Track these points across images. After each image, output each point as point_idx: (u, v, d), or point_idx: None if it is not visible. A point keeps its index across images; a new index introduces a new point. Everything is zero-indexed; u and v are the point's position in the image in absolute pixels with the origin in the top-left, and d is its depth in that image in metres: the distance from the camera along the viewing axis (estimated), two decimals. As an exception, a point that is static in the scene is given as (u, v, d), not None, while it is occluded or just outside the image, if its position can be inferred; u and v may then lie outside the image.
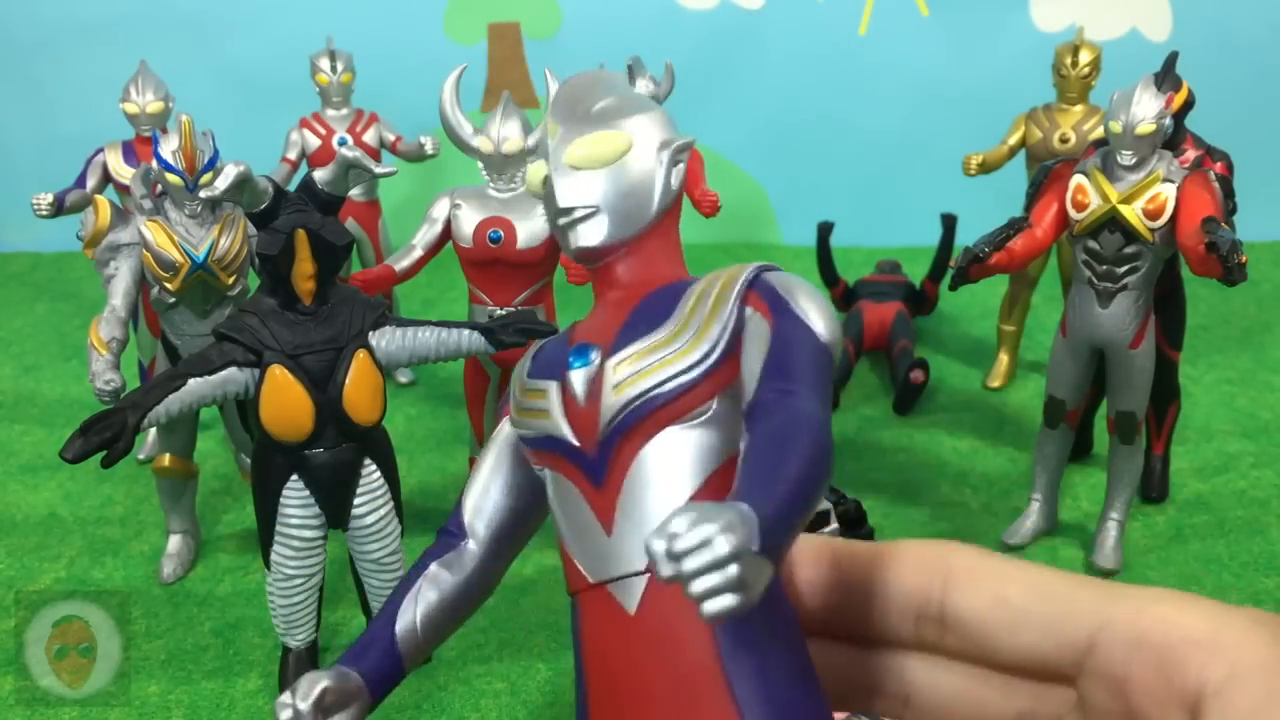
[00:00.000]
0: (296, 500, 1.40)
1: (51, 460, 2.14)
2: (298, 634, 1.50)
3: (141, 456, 2.09)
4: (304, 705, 0.56)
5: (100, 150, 2.38)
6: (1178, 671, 0.40)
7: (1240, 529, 1.88)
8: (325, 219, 1.35)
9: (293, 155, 2.58)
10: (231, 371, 1.33)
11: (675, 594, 0.46)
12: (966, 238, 1.81)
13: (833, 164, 3.48)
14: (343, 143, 2.52)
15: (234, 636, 1.66)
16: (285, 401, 1.33)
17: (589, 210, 0.59)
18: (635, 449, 0.54)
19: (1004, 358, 2.52)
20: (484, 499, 0.62)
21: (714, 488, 0.53)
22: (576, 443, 0.56)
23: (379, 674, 0.62)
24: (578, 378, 0.56)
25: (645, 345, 0.56)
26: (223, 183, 1.30)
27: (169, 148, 1.62)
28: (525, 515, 0.63)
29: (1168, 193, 1.59)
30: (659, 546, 0.42)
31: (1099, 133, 2.20)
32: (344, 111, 2.61)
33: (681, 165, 0.60)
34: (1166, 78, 1.63)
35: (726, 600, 0.41)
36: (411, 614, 0.62)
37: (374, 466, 1.44)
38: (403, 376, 2.53)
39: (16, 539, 1.89)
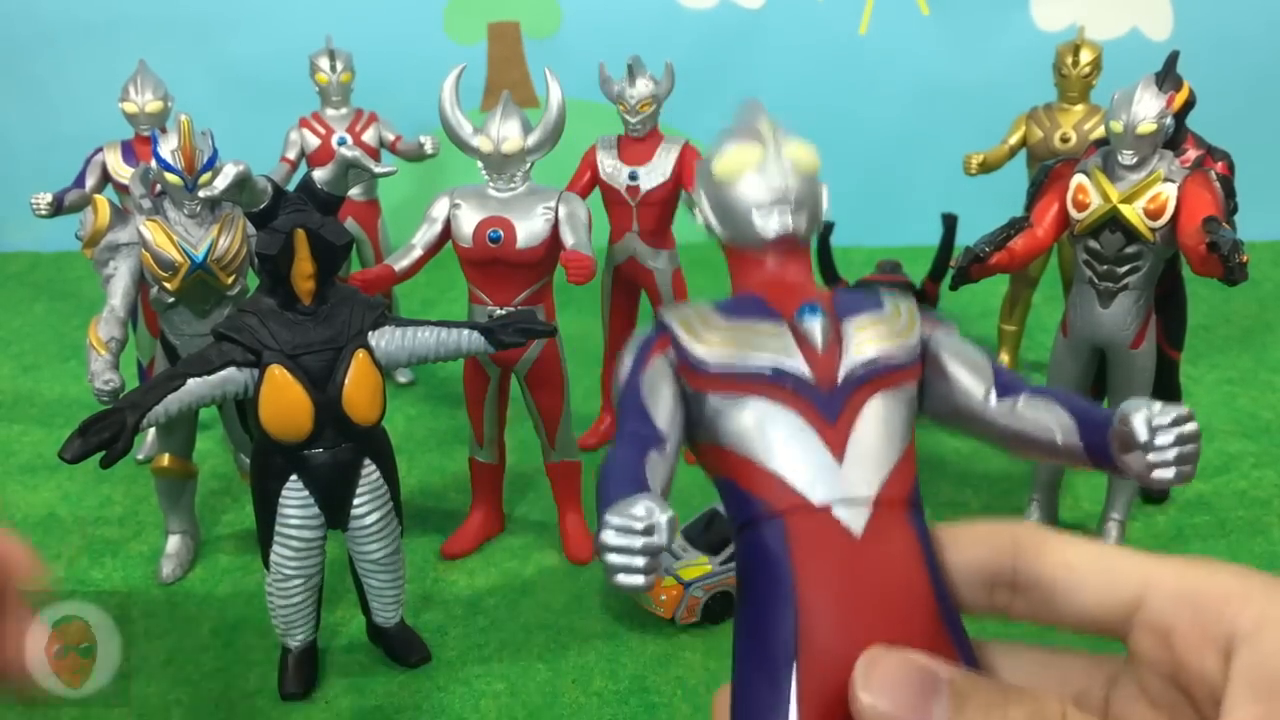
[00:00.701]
0: (296, 500, 1.40)
1: (50, 460, 2.13)
2: (297, 634, 1.50)
3: (141, 457, 2.08)
4: (664, 517, 0.56)
5: (99, 150, 2.38)
6: (1214, 621, 0.48)
7: (1241, 529, 1.88)
8: (325, 219, 1.35)
9: (292, 155, 2.58)
10: (231, 371, 1.33)
11: (897, 520, 0.59)
12: (967, 238, 1.81)
13: (833, 164, 3.41)
14: (342, 142, 2.52)
15: (233, 637, 1.66)
16: (285, 401, 1.33)
17: (800, 201, 0.67)
18: (864, 399, 0.62)
19: (1005, 358, 2.52)
20: (666, 408, 0.65)
21: (910, 455, 0.62)
22: (814, 379, 0.62)
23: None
24: (815, 327, 0.63)
25: (877, 318, 0.64)
26: (222, 182, 1.30)
27: (168, 147, 1.62)
28: (684, 435, 0.67)
29: (1169, 192, 1.58)
30: (1141, 416, 0.58)
31: (1099, 132, 2.20)
32: (343, 111, 2.60)
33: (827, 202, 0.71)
34: (1167, 77, 1.63)
35: (1188, 469, 0.56)
36: (656, 485, 0.63)
37: (374, 466, 1.44)
38: (402, 376, 2.52)
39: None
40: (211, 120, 1.77)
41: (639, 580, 0.56)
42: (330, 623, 1.67)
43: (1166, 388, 1.89)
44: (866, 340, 0.63)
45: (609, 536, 0.56)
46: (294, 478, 1.39)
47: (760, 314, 0.65)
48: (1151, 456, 0.58)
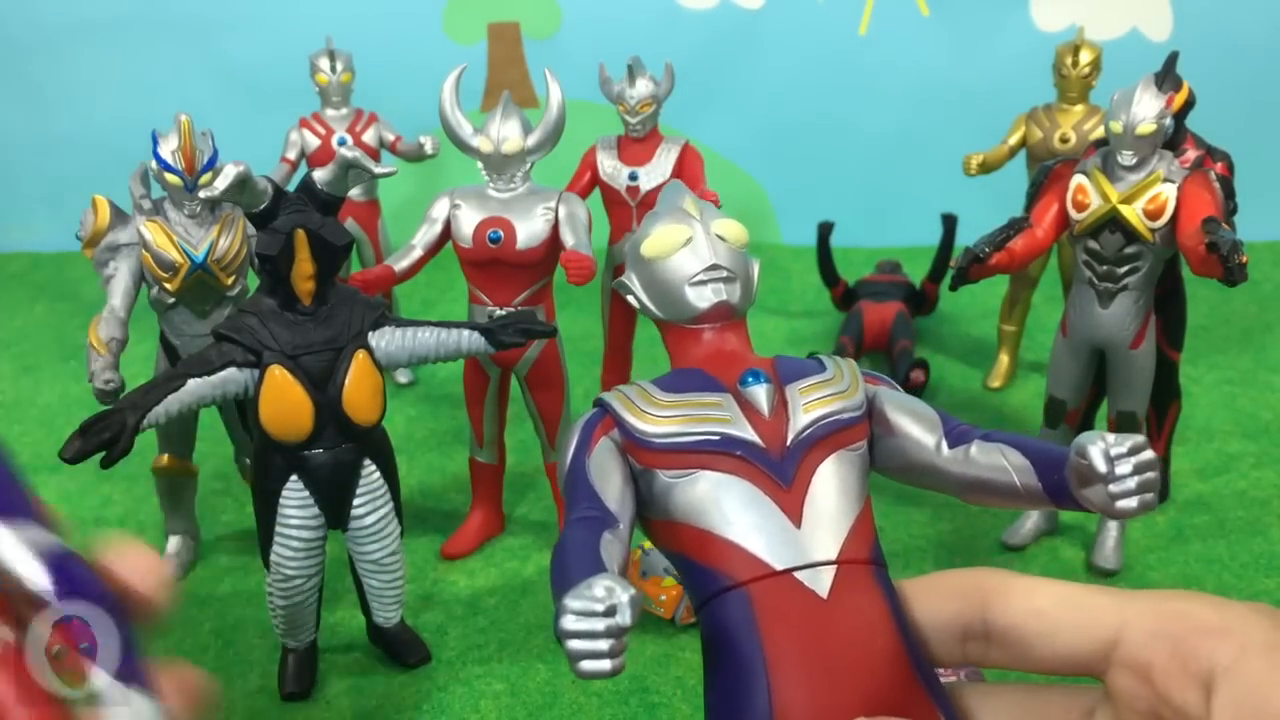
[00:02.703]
0: (296, 501, 1.40)
1: (50, 460, 2.11)
2: (297, 634, 1.50)
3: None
4: (626, 596, 0.53)
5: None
6: (1192, 656, 0.47)
7: (1241, 529, 1.88)
8: (325, 219, 1.35)
9: (292, 155, 2.58)
10: (231, 372, 1.33)
11: (861, 579, 0.60)
12: (967, 238, 1.81)
13: (833, 164, 3.48)
14: (342, 143, 2.52)
15: (234, 637, 1.66)
16: (285, 402, 1.33)
17: (731, 274, 0.69)
18: (817, 460, 0.63)
19: (1004, 358, 2.52)
20: (615, 490, 0.65)
21: (867, 513, 0.63)
22: (764, 445, 0.63)
23: None
24: (759, 393, 0.65)
25: (819, 381, 0.66)
26: (222, 183, 1.29)
27: (168, 148, 1.62)
28: (634, 515, 0.67)
29: (1168, 193, 1.59)
30: (1098, 448, 0.58)
31: (1099, 133, 2.20)
32: (343, 111, 2.60)
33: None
34: (1167, 78, 1.63)
35: (1148, 498, 0.57)
36: (612, 565, 0.61)
37: (374, 467, 1.44)
38: (402, 377, 2.52)
39: (16, 539, 1.89)
40: (211, 120, 1.77)
41: (605, 665, 0.52)
42: (330, 623, 1.67)
43: (1166, 388, 1.89)
44: (812, 402, 0.65)
45: (569, 622, 0.52)
46: (294, 478, 1.39)
47: (702, 386, 0.66)
48: (1113, 488, 0.58)
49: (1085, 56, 2.33)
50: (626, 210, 2.05)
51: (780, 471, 0.62)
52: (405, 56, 3.34)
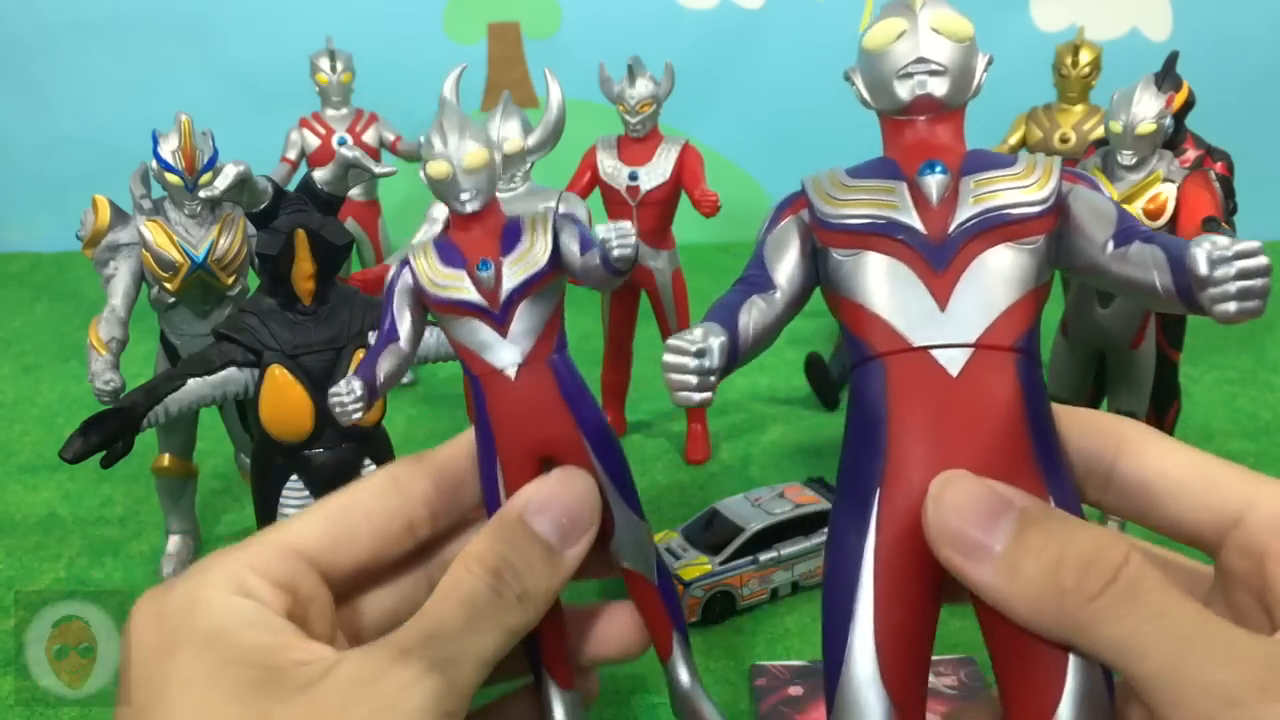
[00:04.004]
0: (296, 500, 1.40)
1: (51, 460, 2.13)
2: (297, 634, 1.50)
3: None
4: (716, 341, 0.65)
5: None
6: None
7: (1241, 529, 1.88)
8: (325, 219, 1.35)
9: (292, 155, 2.58)
10: (231, 371, 1.33)
11: (998, 363, 0.63)
12: (967, 238, 1.81)
13: (833, 164, 3.47)
14: (342, 142, 2.52)
15: (234, 637, 1.66)
16: (285, 401, 1.33)
17: (940, 68, 0.69)
18: (978, 250, 0.65)
19: (1004, 358, 2.52)
20: (783, 263, 0.72)
21: (1026, 303, 0.65)
22: (925, 231, 0.66)
23: (730, 350, 0.69)
24: (932, 182, 0.67)
25: (1001, 174, 0.67)
26: (222, 182, 1.29)
27: (168, 147, 1.62)
28: (806, 292, 0.72)
29: (1168, 193, 1.59)
30: (1202, 250, 0.56)
31: (1099, 133, 2.20)
32: (344, 111, 2.61)
33: (986, 74, 0.73)
34: (1167, 78, 1.63)
35: (1253, 304, 0.55)
36: (747, 319, 0.69)
37: (374, 467, 1.44)
38: (403, 376, 2.53)
39: (16, 539, 1.89)
40: (211, 120, 1.77)
41: (693, 396, 0.64)
42: (330, 623, 1.67)
43: (1166, 388, 1.89)
44: (984, 195, 0.66)
45: (668, 358, 0.64)
46: (294, 478, 1.39)
47: (884, 174, 0.70)
48: (1211, 290, 0.57)
49: (1085, 56, 2.34)
50: (626, 210, 2.05)
51: (936, 256, 0.65)
52: (405, 56, 3.34)
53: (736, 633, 1.56)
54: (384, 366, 0.87)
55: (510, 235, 0.88)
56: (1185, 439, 1.71)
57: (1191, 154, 1.80)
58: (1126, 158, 1.60)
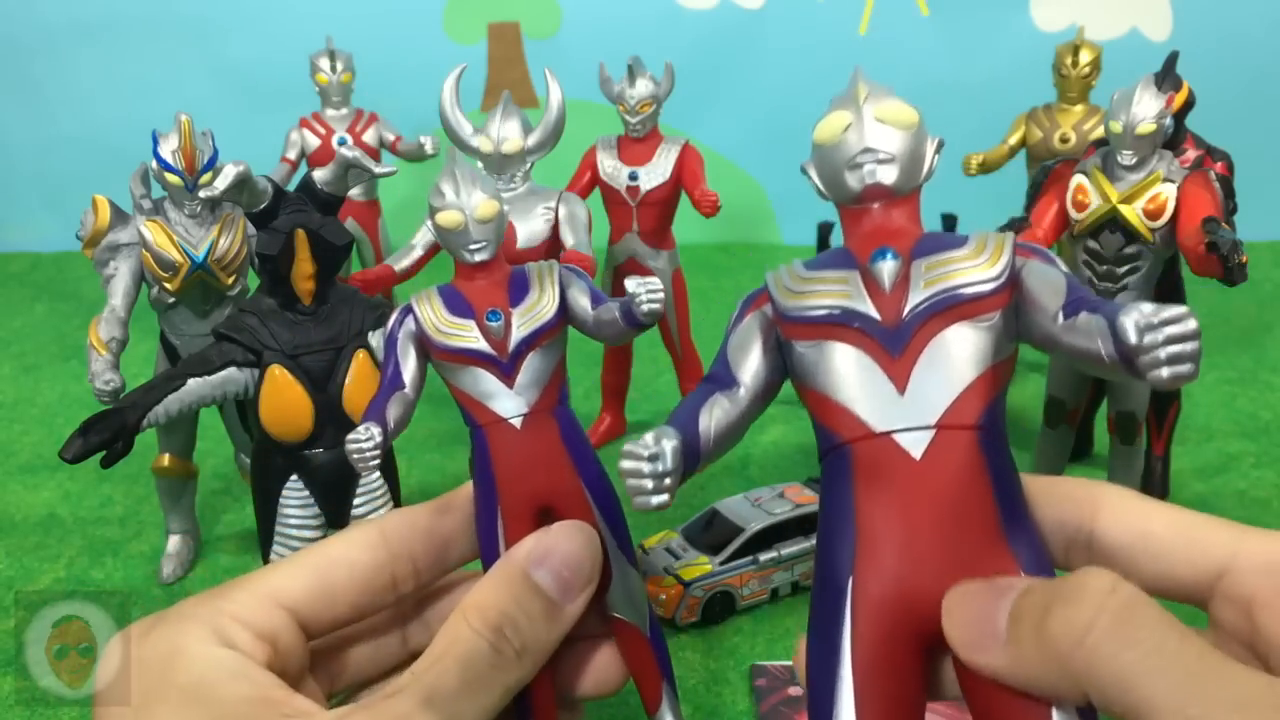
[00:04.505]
0: (296, 501, 1.40)
1: (51, 460, 2.13)
2: (297, 634, 1.50)
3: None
4: (669, 444, 0.67)
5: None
6: None
7: (1240, 529, 1.88)
8: (325, 219, 1.35)
9: (292, 155, 2.58)
10: (231, 371, 1.33)
11: (956, 442, 0.63)
12: (967, 238, 1.81)
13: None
14: (342, 142, 2.52)
15: (234, 637, 1.66)
16: (285, 401, 1.33)
17: (888, 156, 0.71)
18: (933, 331, 0.66)
19: (1004, 358, 2.51)
20: (746, 361, 0.74)
21: (986, 380, 0.65)
22: (879, 317, 0.67)
23: (689, 451, 0.71)
24: (884, 269, 0.68)
25: (948, 257, 0.68)
26: (222, 182, 1.29)
27: (168, 147, 1.62)
28: (773, 386, 0.74)
29: (1168, 193, 1.59)
30: (1130, 319, 0.57)
31: (1099, 133, 2.20)
32: (344, 111, 2.61)
33: (938, 158, 0.75)
34: (1167, 77, 1.63)
35: (1185, 368, 0.56)
36: (708, 420, 0.71)
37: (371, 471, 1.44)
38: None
39: (16, 539, 1.89)
40: (211, 120, 1.77)
41: (650, 500, 0.65)
42: (330, 623, 1.67)
43: (1166, 388, 1.89)
44: (937, 276, 0.68)
45: (623, 464, 0.66)
46: (294, 478, 1.39)
47: (839, 264, 0.72)
48: (1143, 358, 0.58)
49: (1085, 56, 2.34)
50: (626, 210, 2.05)
51: (892, 341, 0.67)
52: (405, 56, 3.34)
53: (736, 633, 1.56)
54: (393, 413, 0.88)
55: (518, 286, 0.89)
56: (1185, 439, 1.71)
57: (1191, 154, 1.80)
58: (1126, 158, 1.60)
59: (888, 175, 0.71)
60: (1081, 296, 0.66)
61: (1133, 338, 0.57)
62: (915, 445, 0.64)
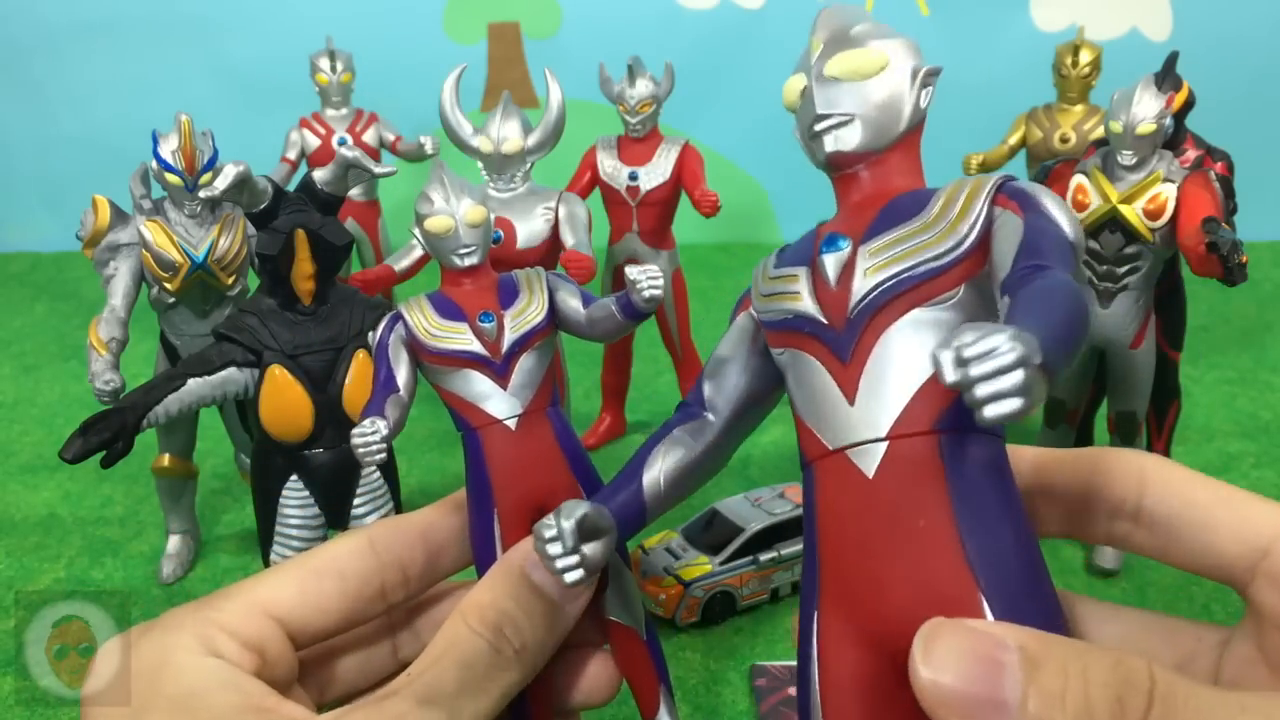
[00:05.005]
0: (296, 500, 1.40)
1: (51, 460, 2.14)
2: (297, 634, 1.50)
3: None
4: (567, 524, 0.64)
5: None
6: None
7: (1241, 529, 1.87)
8: (325, 219, 1.35)
9: (292, 155, 2.58)
10: (231, 372, 1.33)
11: (911, 453, 0.55)
12: (967, 238, 1.81)
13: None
14: (342, 143, 2.52)
15: (234, 637, 1.66)
16: (285, 401, 1.33)
17: (845, 118, 0.63)
18: (882, 327, 0.58)
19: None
20: (723, 378, 0.69)
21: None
22: (825, 320, 0.60)
23: (626, 515, 0.69)
24: (830, 261, 0.61)
25: (897, 235, 0.59)
26: (222, 183, 1.29)
27: (168, 148, 1.62)
28: (760, 397, 0.69)
29: (1168, 193, 1.59)
30: (946, 354, 0.46)
31: (1099, 133, 2.20)
32: (344, 111, 2.61)
33: (931, 89, 0.66)
34: (1167, 78, 1.63)
35: (1008, 405, 0.45)
36: (657, 468, 0.68)
37: (374, 467, 1.44)
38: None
39: (16, 539, 1.89)
40: (211, 120, 1.77)
41: (565, 578, 0.64)
42: (330, 623, 1.67)
43: (1166, 388, 1.89)
44: (880, 263, 0.59)
45: (536, 547, 0.65)
46: (294, 478, 1.39)
47: (796, 259, 0.66)
48: (965, 396, 0.47)
49: (1085, 56, 2.34)
50: (626, 210, 2.05)
51: (841, 345, 0.59)
52: (405, 56, 3.35)
53: (736, 633, 1.56)
54: (391, 415, 0.88)
55: (507, 290, 0.89)
56: (1185, 439, 1.71)
57: (1191, 154, 1.80)
58: (1126, 158, 1.60)
59: (849, 139, 0.63)
60: (1023, 271, 0.54)
61: (950, 376, 0.46)
62: (868, 461, 0.57)
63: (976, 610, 0.52)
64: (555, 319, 0.89)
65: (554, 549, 0.64)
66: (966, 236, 0.58)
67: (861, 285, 0.59)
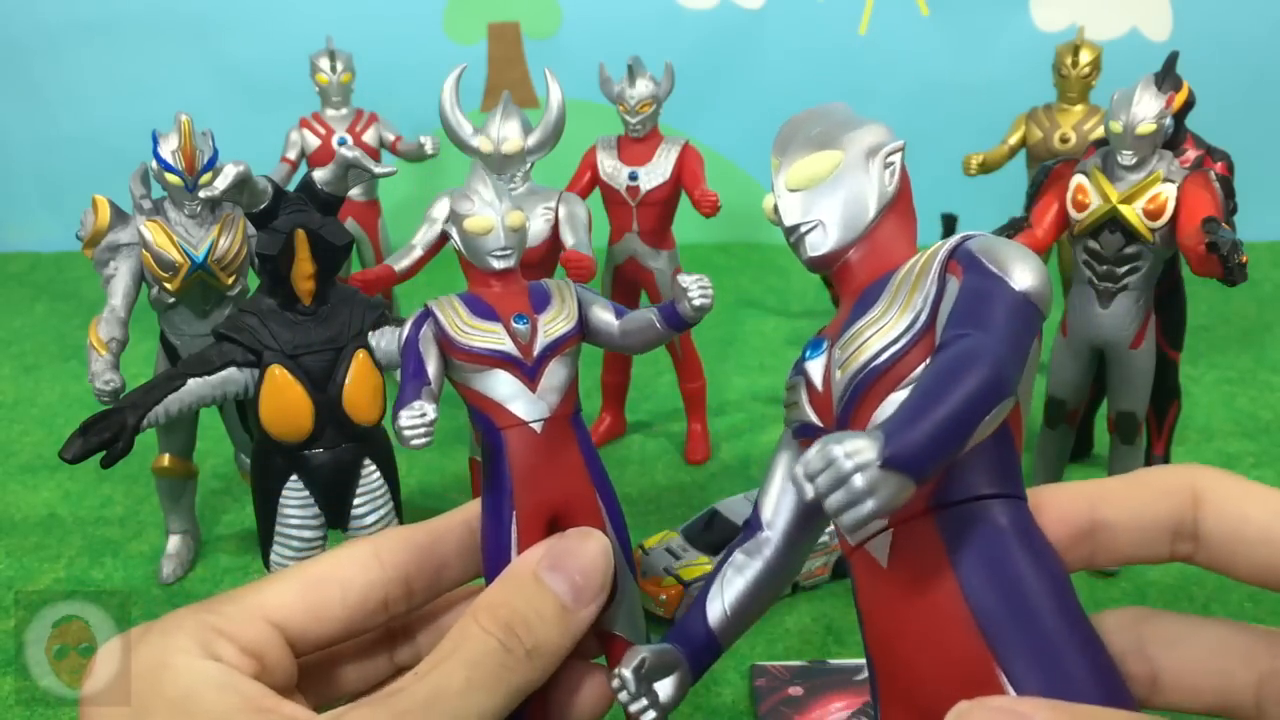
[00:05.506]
0: (296, 500, 1.40)
1: (51, 460, 2.13)
2: (297, 634, 1.50)
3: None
4: (627, 671, 0.67)
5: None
6: None
7: (1240, 529, 1.87)
8: (325, 219, 1.35)
9: (292, 155, 2.58)
10: (231, 372, 1.33)
11: (914, 541, 0.56)
12: (966, 238, 1.81)
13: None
14: (342, 143, 2.52)
15: (234, 637, 1.66)
16: (285, 401, 1.33)
17: (811, 224, 0.67)
18: (865, 419, 0.59)
19: (1004, 358, 2.51)
20: (774, 494, 0.71)
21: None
22: (820, 425, 0.63)
23: (696, 652, 0.71)
24: (813, 368, 0.64)
25: (860, 325, 0.61)
26: (222, 183, 1.29)
27: (168, 148, 1.62)
28: (814, 507, 0.68)
29: (1168, 193, 1.59)
30: (798, 473, 0.48)
31: (1099, 133, 2.20)
32: (344, 111, 2.61)
33: (894, 167, 0.66)
34: (1167, 78, 1.63)
35: (857, 511, 0.47)
36: (720, 601, 0.70)
37: (374, 467, 1.44)
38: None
39: (16, 539, 1.89)
40: (211, 120, 1.77)
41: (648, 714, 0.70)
42: (330, 623, 1.67)
43: (1166, 388, 1.89)
44: (853, 353, 0.61)
45: (619, 697, 0.71)
46: (294, 478, 1.39)
47: (798, 367, 0.68)
48: (825, 510, 0.49)
49: (1085, 56, 2.34)
50: (626, 210, 2.05)
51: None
52: (405, 56, 3.34)
53: (736, 633, 1.56)
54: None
55: (538, 296, 0.90)
56: (1185, 439, 1.71)
57: (1191, 154, 1.80)
58: (1126, 158, 1.60)
59: (821, 243, 0.66)
60: (941, 345, 0.55)
61: (805, 494, 0.48)
62: (882, 552, 0.57)
63: (992, 681, 0.52)
64: (585, 329, 0.90)
65: (623, 697, 0.68)
66: (921, 311, 0.59)
67: (839, 384, 0.61)
